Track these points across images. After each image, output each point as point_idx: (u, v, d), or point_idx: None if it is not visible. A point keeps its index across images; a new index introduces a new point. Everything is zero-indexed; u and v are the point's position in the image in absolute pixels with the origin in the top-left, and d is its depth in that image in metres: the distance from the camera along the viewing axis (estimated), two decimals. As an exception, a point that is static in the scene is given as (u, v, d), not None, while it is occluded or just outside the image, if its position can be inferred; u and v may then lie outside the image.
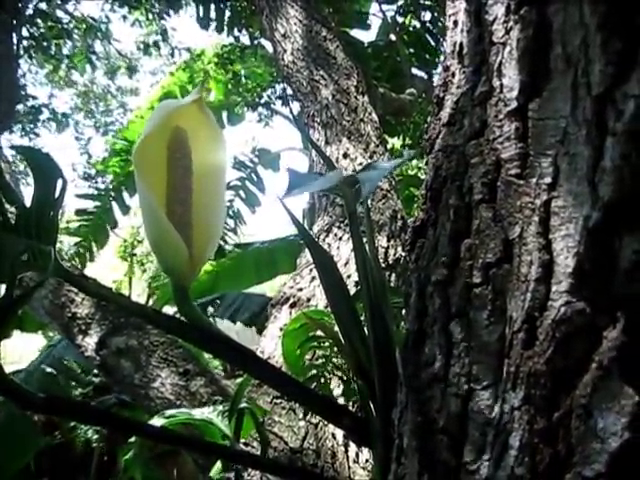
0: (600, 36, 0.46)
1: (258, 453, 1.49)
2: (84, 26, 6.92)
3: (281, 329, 1.94)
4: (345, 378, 1.16)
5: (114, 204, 5.57)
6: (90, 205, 5.53)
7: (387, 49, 5.07)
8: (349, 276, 1.88)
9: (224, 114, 6.23)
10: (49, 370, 3.61)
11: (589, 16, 0.47)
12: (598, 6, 0.46)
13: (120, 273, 9.18)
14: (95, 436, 4.46)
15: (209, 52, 6.55)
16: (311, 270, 2.12)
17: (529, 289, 0.49)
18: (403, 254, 2.27)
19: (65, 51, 6.81)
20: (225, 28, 5.56)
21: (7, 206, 0.68)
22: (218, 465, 1.44)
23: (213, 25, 5.49)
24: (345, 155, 2.49)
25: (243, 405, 1.06)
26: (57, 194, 0.66)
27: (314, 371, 1.12)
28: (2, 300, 0.60)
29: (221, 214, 0.77)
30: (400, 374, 0.67)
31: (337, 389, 1.33)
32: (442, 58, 0.78)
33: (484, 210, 0.56)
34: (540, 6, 0.53)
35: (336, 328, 0.83)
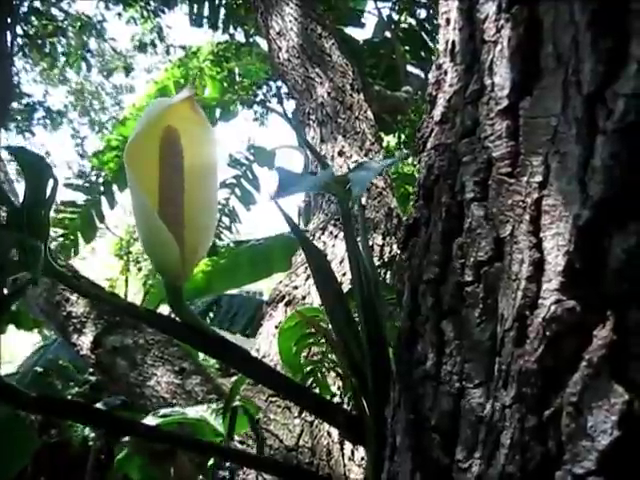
0: (590, 34, 0.46)
1: (253, 451, 1.49)
2: (79, 24, 6.90)
3: (276, 327, 1.93)
4: (342, 374, 1.16)
5: (103, 198, 5.56)
6: (78, 197, 5.52)
7: (383, 47, 5.07)
8: (344, 274, 1.88)
9: (217, 111, 6.23)
10: (42, 371, 3.61)
11: (579, 14, 0.47)
12: (588, 4, 0.47)
13: (116, 271, 9.18)
14: (92, 434, 4.46)
15: (204, 50, 6.54)
16: (306, 268, 2.12)
17: (520, 287, 0.49)
18: (398, 252, 2.27)
19: (60, 49, 6.79)
20: (220, 26, 5.55)
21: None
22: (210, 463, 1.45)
23: (207, 23, 5.49)
24: (340, 153, 2.48)
25: (237, 403, 1.06)
26: (48, 194, 0.66)
27: (311, 367, 1.13)
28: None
29: (213, 213, 0.77)
30: (393, 372, 0.67)
31: (333, 386, 1.33)
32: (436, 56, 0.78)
33: (476, 208, 0.56)
34: (531, 4, 0.53)
35: (329, 326, 0.83)
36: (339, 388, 1.35)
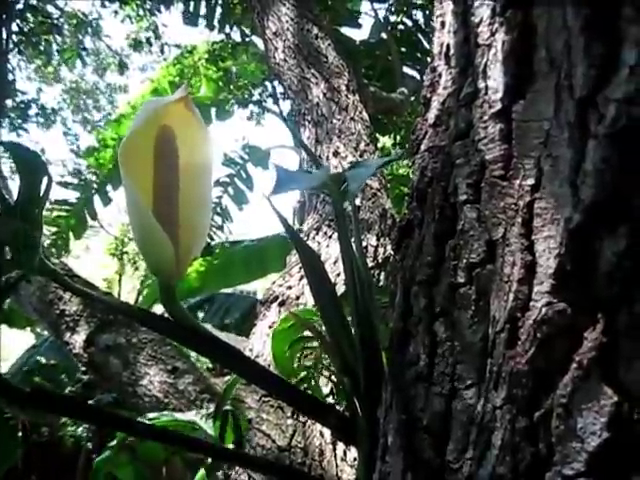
0: (583, 39, 0.46)
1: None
2: (75, 21, 6.89)
3: (270, 327, 1.94)
4: (335, 379, 1.16)
5: (96, 196, 5.54)
6: (70, 195, 5.51)
7: (379, 48, 5.07)
8: (338, 274, 1.88)
9: (213, 110, 6.22)
10: (29, 370, 3.61)
11: (572, 19, 0.48)
12: (581, 9, 0.47)
13: (111, 271, 9.16)
14: (84, 434, 4.45)
15: (200, 49, 6.53)
16: (300, 268, 2.12)
17: (512, 289, 0.49)
18: (392, 253, 2.27)
19: (55, 46, 6.77)
20: (216, 25, 5.55)
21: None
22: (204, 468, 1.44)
23: (202, 22, 5.48)
24: (335, 153, 2.49)
25: (228, 408, 1.06)
26: (42, 191, 0.66)
27: (304, 373, 1.13)
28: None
29: (208, 213, 0.77)
30: (385, 373, 0.67)
31: (325, 388, 1.33)
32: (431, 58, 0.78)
33: (468, 211, 0.56)
34: (525, 9, 0.53)
35: (323, 328, 0.84)
36: (331, 391, 1.35)
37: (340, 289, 1.57)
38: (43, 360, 3.92)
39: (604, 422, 0.41)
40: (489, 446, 0.49)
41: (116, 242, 8.98)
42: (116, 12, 6.69)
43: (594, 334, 0.43)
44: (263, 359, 1.77)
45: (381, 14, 5.26)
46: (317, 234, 2.22)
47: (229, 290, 5.15)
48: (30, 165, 0.65)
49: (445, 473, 0.54)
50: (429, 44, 5.23)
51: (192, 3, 5.30)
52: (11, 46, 5.32)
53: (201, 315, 4.28)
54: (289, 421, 1.65)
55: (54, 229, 5.23)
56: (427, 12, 5.29)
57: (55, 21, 6.16)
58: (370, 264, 2.04)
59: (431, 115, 0.69)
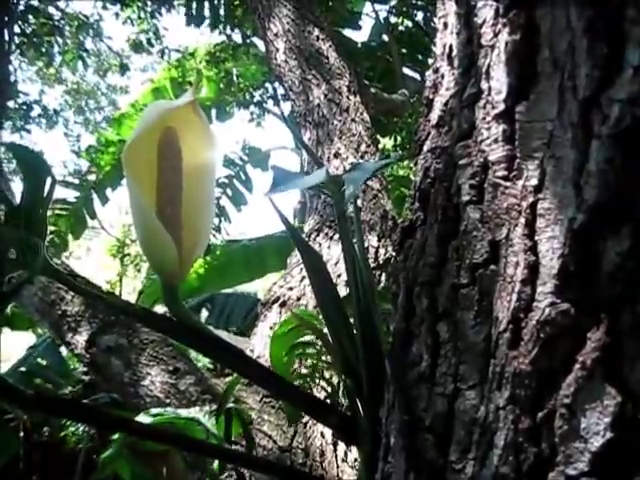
0: (586, 40, 0.47)
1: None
2: (76, 23, 6.89)
3: (271, 328, 1.94)
4: (330, 389, 1.16)
5: (95, 196, 5.55)
6: (69, 194, 5.52)
7: (379, 49, 5.08)
8: (339, 275, 1.88)
9: (213, 111, 6.23)
10: (27, 372, 3.60)
11: (576, 20, 0.48)
12: (584, 10, 0.47)
13: (112, 272, 9.16)
14: (85, 434, 4.44)
15: (201, 50, 6.54)
16: (301, 269, 2.12)
17: (515, 290, 0.49)
18: (393, 254, 2.27)
19: (56, 48, 6.78)
20: (218, 26, 5.55)
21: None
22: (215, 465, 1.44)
23: (203, 23, 5.48)
24: (336, 155, 2.49)
25: (231, 405, 1.06)
26: (46, 192, 0.66)
27: (301, 380, 1.13)
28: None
29: (210, 214, 0.77)
30: (388, 373, 0.67)
31: (319, 395, 1.33)
32: (433, 59, 0.78)
33: (471, 211, 0.56)
34: (528, 10, 0.53)
35: (325, 329, 0.84)
36: (326, 397, 1.34)
37: (340, 290, 1.58)
38: (41, 362, 3.92)
39: (608, 422, 0.41)
40: (492, 446, 0.49)
41: (117, 243, 8.98)
42: (117, 14, 6.70)
43: (597, 334, 0.43)
44: (264, 360, 1.77)
45: (382, 15, 5.26)
46: (318, 235, 2.22)
47: (229, 290, 5.15)
48: (33, 166, 0.65)
49: (447, 473, 0.54)
50: (430, 45, 5.24)
51: (194, 4, 5.30)
52: (13, 48, 5.32)
53: (202, 316, 4.28)
54: (290, 422, 1.65)
55: (52, 228, 5.23)
56: (428, 13, 5.29)
57: (56, 23, 6.16)
58: (371, 265, 2.04)
59: (434, 116, 0.69)
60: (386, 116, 4.66)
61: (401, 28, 5.32)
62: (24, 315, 3.57)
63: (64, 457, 4.47)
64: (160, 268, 0.72)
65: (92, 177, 5.74)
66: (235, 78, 6.48)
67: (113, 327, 1.89)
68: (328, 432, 1.64)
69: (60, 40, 6.64)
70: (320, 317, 0.95)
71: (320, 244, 2.16)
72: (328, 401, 1.04)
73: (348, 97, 2.79)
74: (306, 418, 1.65)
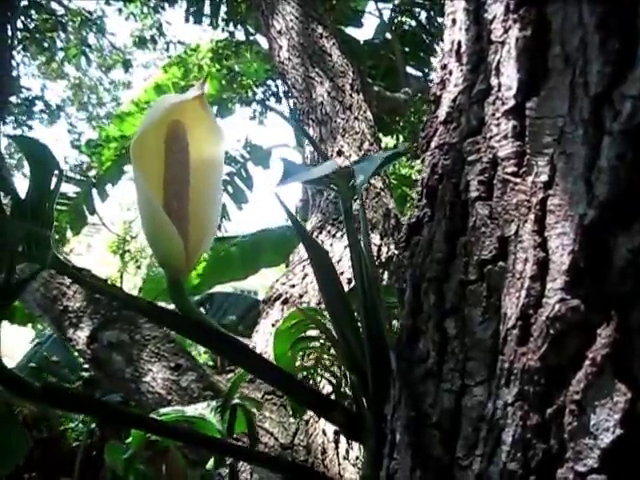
0: (598, 36, 0.46)
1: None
2: (79, 19, 6.89)
3: (273, 325, 1.94)
4: (335, 381, 1.16)
5: (94, 191, 5.55)
6: (68, 190, 5.51)
7: (383, 48, 5.08)
8: (342, 273, 1.88)
9: (215, 108, 6.22)
10: (35, 367, 3.61)
11: (588, 16, 0.48)
12: (597, 6, 0.47)
13: (113, 269, 9.16)
14: (84, 430, 4.45)
15: (204, 47, 6.53)
16: (304, 267, 2.13)
17: (524, 286, 0.49)
18: (396, 252, 2.28)
19: (59, 44, 6.78)
20: (220, 24, 5.55)
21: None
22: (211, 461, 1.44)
23: (202, 21, 5.48)
24: (339, 152, 2.49)
25: (236, 401, 1.06)
26: (53, 185, 0.66)
27: (305, 373, 1.13)
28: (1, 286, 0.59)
29: (217, 209, 0.77)
30: (394, 370, 0.67)
31: (323, 390, 1.33)
32: (439, 56, 0.78)
33: (480, 207, 0.56)
34: (539, 6, 0.53)
35: (329, 325, 0.84)
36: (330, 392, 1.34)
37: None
38: (51, 357, 3.93)
39: (618, 418, 0.41)
40: (499, 443, 0.49)
41: (118, 240, 8.99)
42: (120, 10, 6.70)
43: (607, 331, 0.43)
44: (267, 357, 1.77)
45: (386, 14, 5.26)
46: (321, 233, 2.22)
47: (229, 290, 5.15)
48: (41, 159, 0.65)
49: (454, 470, 0.54)
50: (432, 44, 5.24)
51: (196, 1, 5.30)
52: (15, 43, 5.32)
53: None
54: (292, 419, 1.65)
55: (53, 223, 5.21)
56: (431, 12, 5.29)
57: (59, 18, 6.16)
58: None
59: (442, 112, 0.69)
60: (389, 115, 4.66)
61: (405, 27, 5.31)
62: (24, 310, 3.58)
63: (63, 454, 4.47)
64: (166, 262, 0.72)
65: (92, 173, 5.74)
66: (237, 75, 6.48)
67: (115, 323, 1.89)
68: (330, 430, 1.64)
69: (63, 35, 6.64)
70: (324, 313, 0.95)
71: (322, 241, 2.16)
72: (332, 397, 1.04)
73: (351, 95, 2.78)
74: (308, 416, 1.65)
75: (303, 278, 2.08)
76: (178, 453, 1.55)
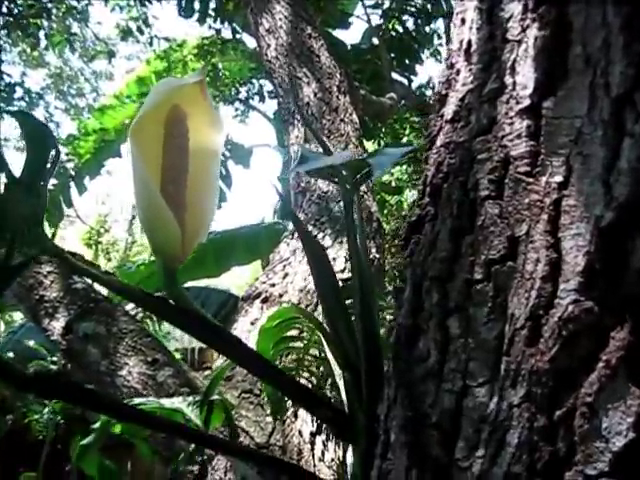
0: (623, 37, 0.46)
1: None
2: (64, 7, 6.80)
3: (252, 323, 1.92)
4: (315, 380, 1.15)
5: (72, 184, 5.48)
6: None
7: (369, 52, 5.08)
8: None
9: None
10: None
11: (612, 17, 0.47)
12: (622, 7, 0.47)
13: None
14: (49, 423, 4.39)
15: (189, 43, 6.48)
16: (284, 266, 2.11)
17: (534, 287, 0.49)
18: (377, 255, 2.27)
19: (42, 31, 6.67)
20: (205, 21, 5.52)
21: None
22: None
23: (192, 16, 5.44)
24: (324, 154, 2.48)
25: (215, 397, 1.04)
26: (49, 164, 0.64)
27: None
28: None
29: (214, 199, 0.75)
30: (389, 369, 0.66)
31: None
32: (445, 55, 0.77)
33: (490, 206, 0.56)
34: (560, 6, 0.53)
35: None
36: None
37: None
38: (28, 343, 3.87)
39: (630, 422, 0.41)
40: (503, 445, 0.48)
41: (91, 232, 8.89)
42: (106, 0, 6.61)
43: (622, 333, 0.43)
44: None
45: (374, 19, 5.27)
46: (303, 233, 2.20)
47: (202, 284, 5.09)
48: (39, 136, 0.63)
49: (453, 471, 0.53)
50: (419, 52, 5.26)
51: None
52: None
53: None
54: (268, 419, 1.63)
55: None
56: (419, 20, 5.31)
57: (45, 4, 6.07)
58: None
59: (448, 111, 0.68)
60: (373, 119, 4.66)
61: (392, 33, 5.32)
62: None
63: (28, 446, 4.40)
64: (161, 250, 0.70)
65: (70, 165, 5.67)
66: (221, 73, 6.44)
67: (91, 314, 1.85)
68: (306, 431, 1.63)
69: (46, 23, 6.54)
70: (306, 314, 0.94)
71: (305, 242, 2.15)
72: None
73: (338, 97, 2.78)
74: (284, 416, 1.63)
75: (284, 277, 2.06)
76: (144, 450, 1.52)
